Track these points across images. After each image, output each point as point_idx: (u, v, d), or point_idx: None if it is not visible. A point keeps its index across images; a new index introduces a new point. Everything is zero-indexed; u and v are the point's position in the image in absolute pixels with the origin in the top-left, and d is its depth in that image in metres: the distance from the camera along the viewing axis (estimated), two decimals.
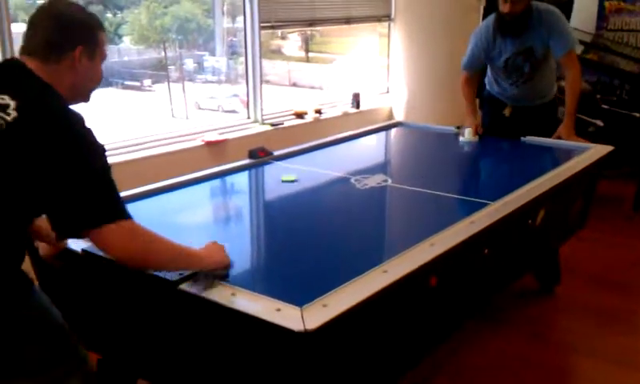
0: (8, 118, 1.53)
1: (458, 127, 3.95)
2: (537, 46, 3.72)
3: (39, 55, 1.68)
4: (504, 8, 3.67)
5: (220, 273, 1.83)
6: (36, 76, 1.65)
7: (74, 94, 1.74)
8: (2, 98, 1.56)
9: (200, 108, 6.28)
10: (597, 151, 3.31)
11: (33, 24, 1.71)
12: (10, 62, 1.72)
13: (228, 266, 1.86)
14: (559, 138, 3.70)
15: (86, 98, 1.81)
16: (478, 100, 4.14)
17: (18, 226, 1.62)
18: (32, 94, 1.60)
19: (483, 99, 4.18)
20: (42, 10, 1.72)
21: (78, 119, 1.62)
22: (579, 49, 5.86)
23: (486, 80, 4.12)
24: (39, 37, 1.69)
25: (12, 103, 1.55)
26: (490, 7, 5.88)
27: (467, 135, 3.72)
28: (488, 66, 4.02)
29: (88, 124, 1.64)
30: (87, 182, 1.58)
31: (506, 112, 4.01)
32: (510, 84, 3.91)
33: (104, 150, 1.65)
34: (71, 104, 1.70)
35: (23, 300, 1.63)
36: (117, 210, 1.61)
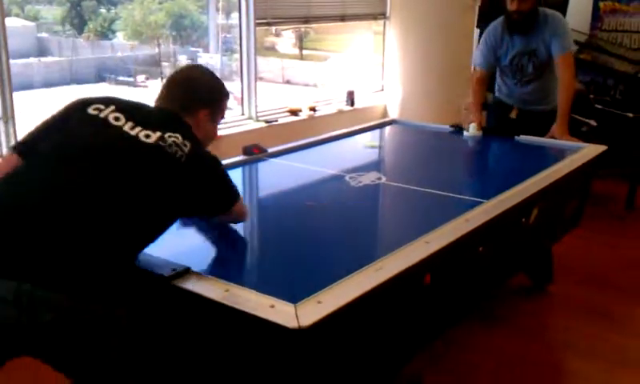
0: (185, 150, 1.82)
1: (453, 125, 3.96)
2: (540, 48, 3.84)
3: (176, 109, 1.98)
4: (511, 6, 3.79)
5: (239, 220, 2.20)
6: (188, 124, 1.97)
7: None
8: (177, 137, 1.84)
9: None
10: (590, 151, 3.32)
11: (169, 83, 2.04)
12: (165, 109, 1.98)
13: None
14: (552, 137, 3.72)
15: None
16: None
17: (152, 237, 1.81)
18: (194, 140, 1.91)
19: (491, 104, 4.27)
20: (181, 71, 2.10)
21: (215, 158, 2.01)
22: (573, 49, 5.88)
23: (495, 86, 4.21)
24: (176, 95, 2.01)
25: (186, 142, 1.84)
26: (486, 6, 5.90)
27: (471, 130, 3.77)
28: (497, 72, 4.12)
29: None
30: (224, 184, 2.03)
31: (513, 114, 4.09)
32: (514, 83, 4.02)
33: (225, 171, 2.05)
34: None
35: (120, 304, 1.73)
36: (237, 193, 2.07)
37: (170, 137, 1.82)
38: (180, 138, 1.84)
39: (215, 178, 1.98)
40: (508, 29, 3.89)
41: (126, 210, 1.70)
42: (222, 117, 2.14)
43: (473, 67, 4.14)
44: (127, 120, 1.84)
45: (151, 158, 1.79)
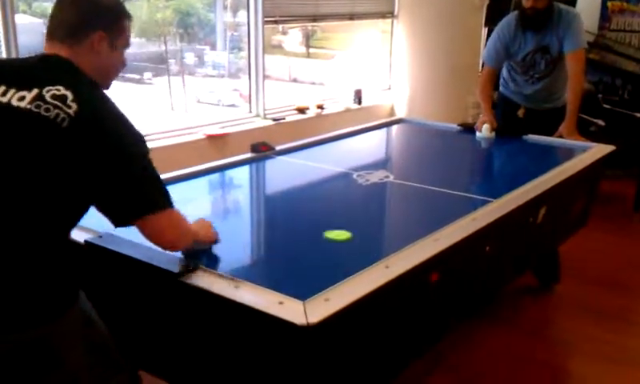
0: (70, 111, 1.52)
1: (461, 124, 3.95)
2: (553, 44, 3.81)
3: (63, 40, 1.66)
4: (527, 3, 3.77)
5: (204, 247, 1.93)
6: (73, 64, 1.64)
7: (96, 79, 1.69)
8: (58, 89, 1.55)
9: (200, 102, 6.27)
10: (598, 150, 3.32)
11: (57, 7, 1.70)
12: (48, 56, 1.67)
13: (214, 241, 1.96)
14: (560, 136, 3.71)
15: (106, 85, 1.76)
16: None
17: (68, 224, 1.62)
18: (81, 84, 1.60)
19: (497, 100, 4.22)
20: None
21: (122, 112, 1.64)
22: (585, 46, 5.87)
23: (500, 81, 4.17)
24: (62, 19, 1.68)
25: (68, 94, 1.54)
26: (494, 5, 5.90)
27: (484, 131, 3.72)
28: (503, 67, 4.08)
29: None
30: (142, 172, 1.62)
31: (520, 113, 4.07)
32: (525, 80, 3.99)
33: (144, 139, 1.67)
34: None
35: (70, 306, 1.61)
36: (168, 199, 1.68)
37: (48, 91, 1.54)
38: (62, 88, 1.54)
39: (118, 153, 1.57)
40: (522, 25, 3.86)
41: (22, 205, 1.49)
42: (126, 42, 1.77)
43: (481, 65, 4.10)
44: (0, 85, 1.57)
45: (26, 129, 1.51)
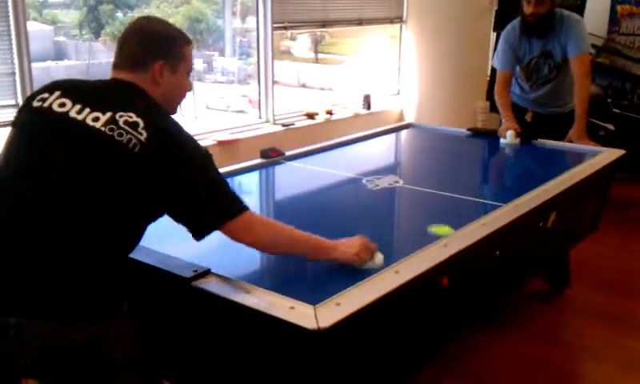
0: (141, 138, 1.60)
1: (470, 129, 3.95)
2: (555, 50, 3.81)
3: (127, 69, 1.76)
4: (527, 9, 3.76)
5: (364, 267, 1.90)
6: (143, 90, 1.75)
7: (163, 105, 1.79)
8: (130, 116, 1.63)
9: (209, 108, 6.30)
10: (608, 155, 3.30)
11: (120, 40, 1.80)
12: (119, 80, 1.76)
13: (362, 261, 1.91)
14: (570, 141, 3.70)
15: (173, 110, 1.86)
16: (490, 103, 4.14)
17: (129, 239, 1.70)
18: (151, 111, 1.70)
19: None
20: (128, 27, 1.82)
21: (189, 136, 1.72)
22: (589, 51, 5.86)
23: None
24: (126, 52, 1.78)
25: (140, 122, 1.63)
26: (503, 10, 5.89)
27: (509, 138, 3.64)
28: None
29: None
30: (210, 184, 1.71)
31: (528, 117, 4.06)
32: (529, 85, 3.98)
33: (208, 153, 1.74)
34: None
35: (117, 312, 1.66)
36: (240, 204, 1.74)
37: (121, 117, 1.63)
38: (134, 116, 1.63)
39: (188, 172, 1.67)
40: (525, 31, 3.86)
41: (88, 218, 1.58)
42: (189, 66, 1.86)
43: (490, 70, 4.09)
44: (74, 103, 1.67)
45: (99, 148, 1.60)
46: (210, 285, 1.75)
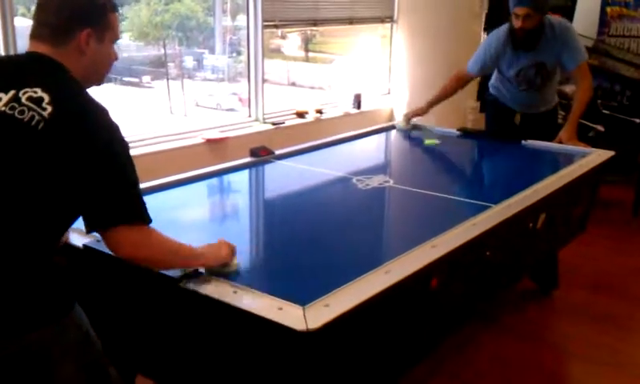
0: (44, 114, 1.49)
1: (460, 129, 3.95)
2: (549, 61, 3.76)
3: (47, 40, 1.61)
4: (517, 23, 3.67)
5: (223, 271, 1.83)
6: (57, 63, 1.60)
7: (86, 78, 1.67)
8: (35, 91, 1.52)
9: (198, 105, 6.27)
10: (598, 156, 3.31)
11: (40, 7, 1.65)
12: (31, 54, 1.63)
13: (228, 264, 1.84)
14: (560, 141, 3.71)
15: (98, 82, 1.73)
16: (480, 103, 4.14)
17: (55, 228, 1.59)
18: (61, 85, 1.57)
19: (488, 103, 4.19)
20: None
21: (107, 113, 1.60)
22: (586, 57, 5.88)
23: (491, 84, 4.13)
24: (46, 20, 1.63)
25: (45, 96, 1.51)
26: (493, 13, 5.91)
27: (402, 123, 4.01)
28: (494, 74, 4.05)
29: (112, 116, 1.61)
30: (120, 176, 1.57)
31: (517, 119, 4.04)
32: (519, 91, 3.93)
33: (129, 147, 1.62)
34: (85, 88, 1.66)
35: (63, 316, 1.58)
36: (145, 213, 1.61)
37: (25, 93, 1.50)
38: (39, 90, 1.51)
39: (95, 153, 1.52)
40: (512, 45, 3.77)
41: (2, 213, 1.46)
42: (115, 35, 1.72)
43: (466, 67, 4.04)
44: None
45: (1, 133, 1.48)
46: (199, 285, 1.74)
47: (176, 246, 1.70)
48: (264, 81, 4.93)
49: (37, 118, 1.48)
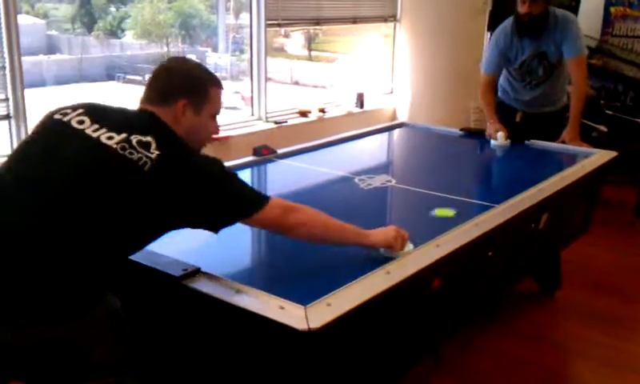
0: (152, 156, 1.64)
1: (463, 129, 3.95)
2: (551, 50, 3.78)
3: (154, 102, 1.81)
4: (522, 8, 3.71)
5: (386, 252, 1.97)
6: (163, 120, 1.78)
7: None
8: (144, 138, 1.67)
9: None
10: (601, 157, 3.31)
11: (153, 74, 1.88)
12: (141, 110, 1.82)
13: (394, 247, 1.97)
14: (563, 142, 3.71)
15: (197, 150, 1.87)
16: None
17: (130, 248, 1.72)
18: (167, 136, 1.74)
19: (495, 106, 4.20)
20: (161, 63, 1.91)
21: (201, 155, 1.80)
22: (585, 52, 5.87)
23: (499, 86, 4.14)
24: (155, 86, 1.84)
25: (152, 142, 1.67)
26: (497, 10, 5.89)
27: (500, 139, 3.62)
28: (502, 74, 4.06)
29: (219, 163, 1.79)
30: (229, 185, 1.77)
31: (518, 118, 4.05)
32: (522, 86, 3.96)
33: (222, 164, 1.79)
34: None
35: (95, 303, 1.64)
36: (259, 197, 1.80)
37: (135, 138, 1.67)
38: (148, 137, 1.68)
39: (198, 187, 1.70)
40: (518, 32, 3.81)
41: (86, 225, 1.58)
42: (215, 109, 1.90)
43: (482, 72, 4.04)
44: (92, 122, 1.72)
45: (111, 165, 1.64)
46: (200, 284, 1.74)
47: (333, 221, 1.91)
48: (267, 79, 4.93)
49: (144, 159, 1.63)
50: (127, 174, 1.62)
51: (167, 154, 1.66)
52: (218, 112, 1.90)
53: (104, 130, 1.69)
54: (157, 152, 1.65)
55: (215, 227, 1.77)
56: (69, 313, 1.57)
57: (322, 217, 1.91)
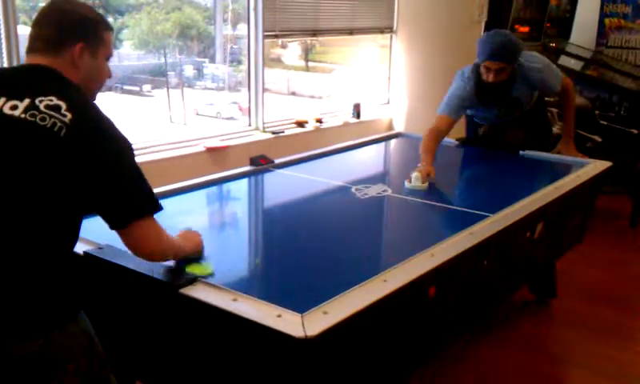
0: (66, 120, 1.52)
1: (459, 139, 3.97)
2: (524, 96, 3.66)
3: (43, 52, 1.65)
4: (487, 77, 3.41)
5: (194, 257, 1.96)
6: (59, 73, 1.64)
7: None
8: (50, 99, 1.54)
9: (198, 114, 6.29)
10: (596, 167, 3.34)
11: (36, 22, 1.69)
12: (32, 66, 1.66)
13: (201, 250, 2.00)
14: (559, 152, 3.73)
15: (91, 97, 1.74)
16: None
17: (69, 232, 1.61)
18: (72, 93, 1.60)
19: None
20: (45, 8, 1.71)
21: (112, 122, 1.64)
22: (579, 65, 5.91)
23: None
24: (40, 34, 1.67)
25: (62, 104, 1.54)
26: (492, 21, 5.94)
27: (414, 181, 3.02)
28: None
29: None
30: (133, 176, 1.63)
31: (481, 131, 4.05)
32: (495, 117, 3.86)
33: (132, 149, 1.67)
34: None
35: (71, 320, 1.59)
36: (157, 203, 1.69)
37: (41, 101, 1.53)
38: (55, 98, 1.54)
39: (112, 156, 1.58)
40: (480, 98, 3.50)
41: (22, 216, 1.48)
42: (109, 52, 1.76)
43: (437, 113, 3.59)
44: None
45: (22, 138, 1.50)
46: (197, 292, 1.75)
47: (171, 238, 1.81)
48: (264, 90, 4.95)
49: (59, 124, 1.51)
50: (44, 142, 1.50)
51: (81, 117, 1.54)
52: (111, 55, 1.77)
53: (3, 98, 1.54)
54: (69, 115, 1.52)
55: (114, 217, 1.62)
56: (37, 327, 1.51)
57: (170, 240, 1.79)
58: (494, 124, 3.97)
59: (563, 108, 3.85)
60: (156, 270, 1.83)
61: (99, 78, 1.76)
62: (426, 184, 3.03)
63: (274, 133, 4.91)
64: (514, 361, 3.13)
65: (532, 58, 3.58)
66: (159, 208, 1.68)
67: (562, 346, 3.32)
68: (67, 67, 1.66)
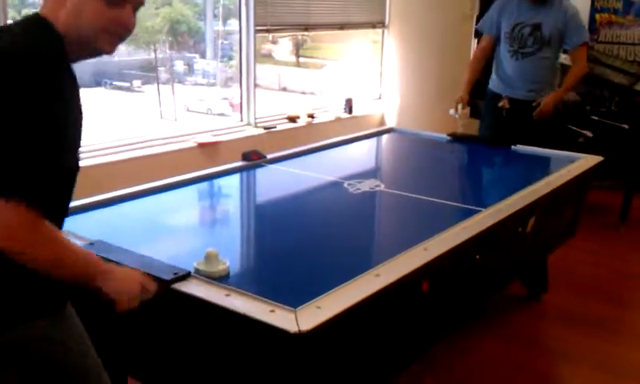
0: None
1: (451, 134, 3.98)
2: (546, 25, 3.88)
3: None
4: None
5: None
6: (38, 16, 1.39)
7: (72, 40, 1.38)
8: None
9: (189, 110, 6.27)
10: (586, 161, 3.35)
11: None
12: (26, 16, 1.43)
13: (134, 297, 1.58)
14: (538, 104, 3.89)
15: (90, 51, 1.43)
16: (470, 108, 4.14)
17: None
18: (10, 36, 1.35)
19: (485, 96, 4.30)
20: None
21: (24, 57, 1.29)
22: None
23: (490, 78, 4.24)
24: None
25: None
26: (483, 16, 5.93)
27: (459, 109, 3.90)
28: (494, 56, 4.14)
29: (47, 68, 1.31)
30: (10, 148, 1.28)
31: (502, 104, 4.10)
32: (510, 55, 4.02)
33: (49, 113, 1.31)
34: (74, 57, 1.41)
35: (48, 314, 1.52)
36: (27, 190, 1.29)
37: None
38: None
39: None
40: None
41: None
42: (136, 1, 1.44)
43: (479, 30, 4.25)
44: None
45: None
46: (191, 287, 1.74)
47: (79, 249, 1.49)
48: (256, 85, 4.94)
49: None
50: None
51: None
52: (141, 4, 1.46)
53: None
54: None
55: None
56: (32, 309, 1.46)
57: (58, 244, 1.39)
58: (510, 76, 4.05)
59: (572, 68, 4.00)
60: (148, 265, 1.82)
61: (97, 23, 1.38)
62: (467, 110, 3.83)
63: (266, 128, 4.91)
64: (506, 354, 3.14)
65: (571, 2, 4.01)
66: (28, 198, 1.28)
67: (554, 340, 3.33)
68: (55, 6, 1.38)
